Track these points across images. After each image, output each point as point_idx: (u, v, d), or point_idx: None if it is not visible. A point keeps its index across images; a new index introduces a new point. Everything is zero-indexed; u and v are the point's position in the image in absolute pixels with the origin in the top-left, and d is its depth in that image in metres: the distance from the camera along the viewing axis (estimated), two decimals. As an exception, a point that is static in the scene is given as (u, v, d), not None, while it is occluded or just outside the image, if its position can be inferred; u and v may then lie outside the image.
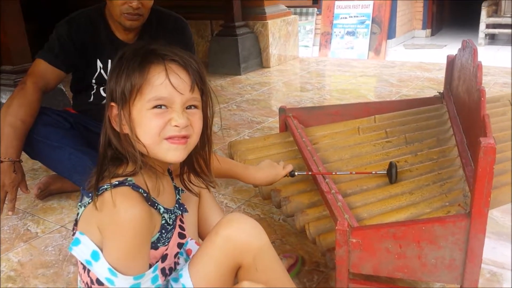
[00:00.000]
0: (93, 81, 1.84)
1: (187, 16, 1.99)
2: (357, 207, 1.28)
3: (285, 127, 1.87)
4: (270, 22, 4.22)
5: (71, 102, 2.01)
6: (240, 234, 0.91)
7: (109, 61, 1.81)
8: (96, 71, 1.82)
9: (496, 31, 4.87)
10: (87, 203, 0.88)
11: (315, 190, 1.41)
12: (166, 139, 0.87)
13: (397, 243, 1.03)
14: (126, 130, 0.87)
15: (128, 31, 1.79)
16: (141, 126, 0.86)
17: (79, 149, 1.73)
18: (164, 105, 0.86)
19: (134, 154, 0.87)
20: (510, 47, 4.72)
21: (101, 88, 1.85)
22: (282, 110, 1.88)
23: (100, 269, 0.84)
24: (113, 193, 0.82)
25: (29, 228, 1.66)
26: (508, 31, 4.77)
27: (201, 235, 1.14)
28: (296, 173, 1.42)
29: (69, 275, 1.39)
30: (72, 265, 1.43)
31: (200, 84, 0.90)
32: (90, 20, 1.78)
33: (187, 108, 0.88)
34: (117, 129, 0.88)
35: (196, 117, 0.90)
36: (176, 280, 0.93)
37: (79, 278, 0.96)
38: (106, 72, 1.82)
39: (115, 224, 0.82)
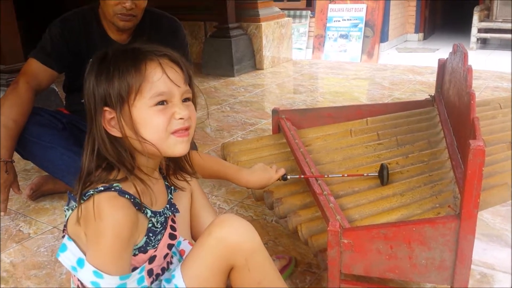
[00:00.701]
0: (86, 81, 1.83)
1: (180, 17, 1.99)
2: (348, 208, 1.30)
3: (278, 128, 1.88)
4: (264, 24, 4.23)
5: (64, 102, 2.00)
6: (233, 235, 0.91)
7: None
8: (89, 72, 1.82)
9: (488, 35, 4.92)
10: (74, 206, 0.89)
11: (308, 191, 1.42)
12: (172, 133, 0.87)
13: (388, 244, 1.04)
14: (127, 133, 0.86)
15: (121, 32, 1.79)
16: (145, 125, 0.86)
17: (72, 150, 1.72)
18: (165, 101, 0.86)
19: (126, 158, 0.87)
20: (501, 51, 4.76)
21: (95, 89, 1.85)
22: (275, 111, 1.89)
23: (85, 275, 0.84)
24: (98, 198, 0.82)
25: (21, 229, 1.66)
26: (499, 35, 4.82)
27: (194, 235, 1.15)
28: (288, 177, 1.43)
29: (61, 276, 1.38)
30: (64, 266, 1.42)
31: (189, 77, 0.92)
32: (83, 20, 1.78)
33: (183, 101, 0.89)
34: (115, 133, 0.87)
35: (192, 108, 0.92)
36: (168, 280, 0.93)
37: (71, 279, 0.96)
38: None
39: (97, 228, 0.82)
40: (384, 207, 1.28)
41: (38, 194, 1.86)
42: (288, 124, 1.82)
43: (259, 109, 3.07)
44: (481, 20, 4.80)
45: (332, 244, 1.06)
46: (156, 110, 0.85)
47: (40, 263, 1.45)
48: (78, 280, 0.90)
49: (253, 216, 1.68)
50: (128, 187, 0.86)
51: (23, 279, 1.37)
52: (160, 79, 0.86)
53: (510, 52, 4.66)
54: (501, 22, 4.75)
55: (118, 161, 0.87)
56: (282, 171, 1.42)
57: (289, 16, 4.98)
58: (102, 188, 0.84)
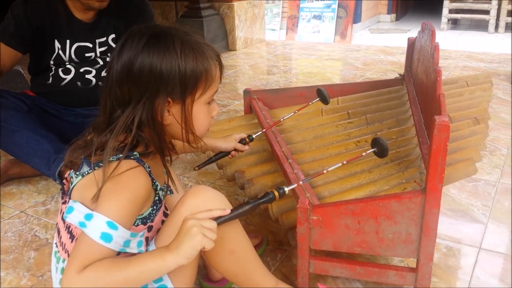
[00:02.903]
0: (51, 62, 1.79)
1: (150, -4, 1.95)
2: (318, 186, 1.31)
3: (249, 109, 1.87)
4: (236, 4, 4.18)
5: (29, 84, 1.95)
6: (205, 203, 0.92)
7: (67, 41, 1.77)
8: (54, 52, 1.77)
9: (458, 16, 4.97)
10: (86, 172, 0.88)
11: (279, 171, 1.43)
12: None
13: (356, 220, 1.05)
14: (178, 121, 0.90)
15: (88, 10, 1.74)
16: (197, 119, 0.92)
17: (39, 133, 1.69)
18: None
19: (165, 144, 0.92)
20: (472, 32, 4.84)
21: (60, 70, 1.81)
22: (246, 92, 1.88)
23: (96, 227, 0.81)
24: (121, 163, 0.84)
25: (-13, 213, 1.62)
26: (470, 16, 4.89)
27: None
28: (253, 136, 1.36)
29: (29, 260, 1.36)
30: (32, 250, 1.41)
31: None
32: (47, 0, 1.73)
33: None
34: (166, 120, 0.89)
35: None
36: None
37: (55, 250, 0.95)
38: (64, 53, 1.78)
39: (118, 183, 0.83)
40: (353, 183, 1.30)
41: (4, 178, 1.81)
42: (259, 104, 1.81)
43: (232, 90, 3.05)
44: (452, 1, 4.85)
45: (302, 221, 1.07)
46: (208, 108, 0.94)
47: (8, 247, 1.42)
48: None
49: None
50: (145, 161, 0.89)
51: (-10, 264, 1.35)
52: (217, 80, 0.93)
53: (479, 32, 4.73)
54: (472, 2, 4.80)
55: (155, 143, 0.89)
56: (240, 136, 1.35)
57: (262, -4, 4.93)
58: (122, 156, 0.85)
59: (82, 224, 0.83)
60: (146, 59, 0.85)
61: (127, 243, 0.85)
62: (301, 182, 1.12)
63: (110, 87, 0.88)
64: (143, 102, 0.86)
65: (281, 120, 1.47)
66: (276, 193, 1.01)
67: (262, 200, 1.00)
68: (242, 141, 1.33)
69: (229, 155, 1.34)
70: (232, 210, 0.94)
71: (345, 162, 1.34)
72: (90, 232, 0.81)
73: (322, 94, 1.39)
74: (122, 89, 0.86)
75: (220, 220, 0.91)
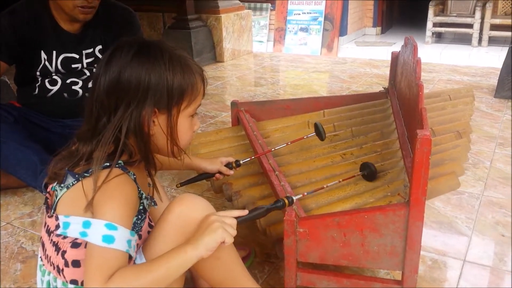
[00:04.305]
0: (38, 73, 1.79)
1: (138, 8, 1.97)
2: (305, 198, 1.32)
3: (237, 121, 1.88)
4: (223, 16, 4.22)
5: (15, 95, 1.94)
6: (191, 211, 0.94)
7: (54, 52, 1.77)
8: (41, 63, 1.77)
9: (442, 29, 5.07)
10: (70, 184, 0.88)
11: (266, 183, 1.44)
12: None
13: (342, 232, 1.07)
14: (163, 133, 0.92)
15: (74, 22, 1.75)
16: (180, 131, 0.94)
17: (25, 144, 1.68)
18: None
19: (150, 153, 0.93)
20: (455, 45, 4.93)
21: (46, 80, 1.81)
22: (234, 104, 1.89)
23: (96, 232, 0.82)
24: (109, 172, 0.86)
25: (-29, 226, 1.60)
26: (453, 30, 4.98)
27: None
28: (241, 162, 1.38)
29: (16, 272, 1.35)
30: (19, 262, 1.39)
31: None
32: (33, 11, 1.74)
33: None
34: (152, 130, 0.90)
35: None
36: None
37: (40, 263, 0.95)
38: (50, 64, 1.78)
39: (107, 189, 0.84)
40: (339, 195, 1.31)
41: (-10, 190, 1.80)
42: (247, 116, 1.83)
43: (219, 102, 3.07)
44: (436, 15, 4.95)
45: (288, 233, 1.08)
46: (191, 121, 0.96)
47: (-8, 260, 1.41)
48: (63, 259, 0.89)
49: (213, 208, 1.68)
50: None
51: (-26, 277, 1.33)
52: (201, 94, 0.96)
53: (462, 46, 4.83)
54: (455, 16, 4.91)
55: (141, 153, 0.91)
56: (227, 160, 1.37)
57: (249, 8, 4.98)
58: (108, 164, 0.87)
59: (83, 234, 0.84)
60: (135, 69, 0.87)
61: (129, 242, 0.85)
62: (306, 193, 1.22)
63: (97, 96, 0.89)
64: (131, 111, 0.87)
65: (272, 150, 1.50)
66: (286, 201, 1.11)
67: (274, 206, 1.09)
68: (228, 165, 1.35)
69: (214, 177, 1.35)
70: (249, 212, 1.00)
71: (341, 181, 1.38)
72: (92, 238, 0.82)
73: (318, 129, 1.43)
74: (109, 98, 0.88)
75: (240, 219, 0.96)
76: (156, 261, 0.84)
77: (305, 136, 1.50)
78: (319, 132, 1.43)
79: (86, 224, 0.85)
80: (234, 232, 0.91)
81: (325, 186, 1.35)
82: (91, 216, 0.85)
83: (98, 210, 0.84)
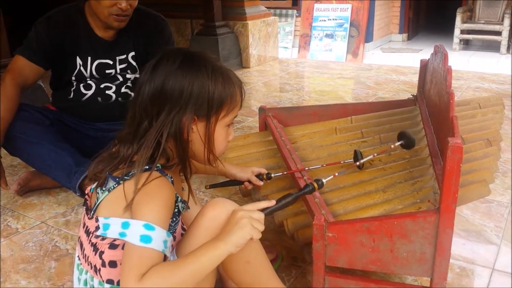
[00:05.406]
0: (73, 78, 1.85)
1: (167, 14, 2.01)
2: (333, 203, 1.33)
3: (264, 126, 1.91)
4: (250, 23, 4.26)
5: (50, 99, 2.01)
6: (224, 214, 0.96)
7: (89, 58, 1.83)
8: (76, 68, 1.83)
9: (470, 36, 5.01)
10: (111, 188, 0.92)
11: (294, 188, 1.45)
12: None
13: (371, 237, 1.08)
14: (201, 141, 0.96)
15: (109, 29, 1.80)
16: (216, 140, 0.98)
17: (59, 146, 1.74)
18: None
19: (188, 158, 0.97)
20: (483, 52, 4.87)
21: (81, 85, 1.86)
22: (261, 109, 1.92)
23: (134, 233, 0.85)
24: (149, 175, 0.89)
25: (9, 223, 1.66)
26: (481, 37, 4.92)
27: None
28: (272, 175, 1.40)
29: (50, 270, 1.40)
30: (53, 260, 1.44)
31: None
32: (69, 18, 1.80)
33: None
34: (191, 136, 0.95)
35: None
36: None
37: (78, 262, 0.98)
38: (85, 69, 1.83)
39: (147, 191, 0.88)
40: (368, 202, 1.32)
41: (25, 190, 1.86)
42: (274, 121, 1.85)
43: (246, 107, 3.10)
44: (463, 22, 4.90)
45: (317, 238, 1.10)
46: (227, 131, 1.00)
47: (29, 257, 1.46)
48: (100, 259, 0.92)
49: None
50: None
51: (12, 273, 1.38)
52: (239, 105, 0.99)
53: (490, 53, 4.76)
54: (483, 23, 4.85)
55: (179, 157, 0.95)
56: (259, 171, 1.39)
57: (275, 15, 5.01)
58: (148, 167, 0.91)
59: (122, 234, 0.88)
60: (179, 78, 0.92)
61: (165, 243, 0.88)
62: (336, 174, 1.24)
63: (141, 102, 0.94)
64: (172, 117, 0.92)
65: (306, 169, 1.47)
66: (315, 185, 1.11)
67: (303, 191, 1.09)
68: (259, 176, 1.37)
69: (242, 185, 1.38)
70: (277, 201, 1.01)
71: (376, 155, 1.38)
72: (130, 238, 0.85)
73: (357, 156, 1.43)
74: (153, 104, 0.93)
75: (267, 211, 0.97)
76: (188, 257, 0.87)
77: (342, 161, 1.49)
78: (357, 159, 1.43)
79: (125, 225, 0.88)
80: (262, 227, 0.92)
81: (357, 163, 1.38)
82: (130, 217, 0.88)
83: (137, 211, 0.87)
